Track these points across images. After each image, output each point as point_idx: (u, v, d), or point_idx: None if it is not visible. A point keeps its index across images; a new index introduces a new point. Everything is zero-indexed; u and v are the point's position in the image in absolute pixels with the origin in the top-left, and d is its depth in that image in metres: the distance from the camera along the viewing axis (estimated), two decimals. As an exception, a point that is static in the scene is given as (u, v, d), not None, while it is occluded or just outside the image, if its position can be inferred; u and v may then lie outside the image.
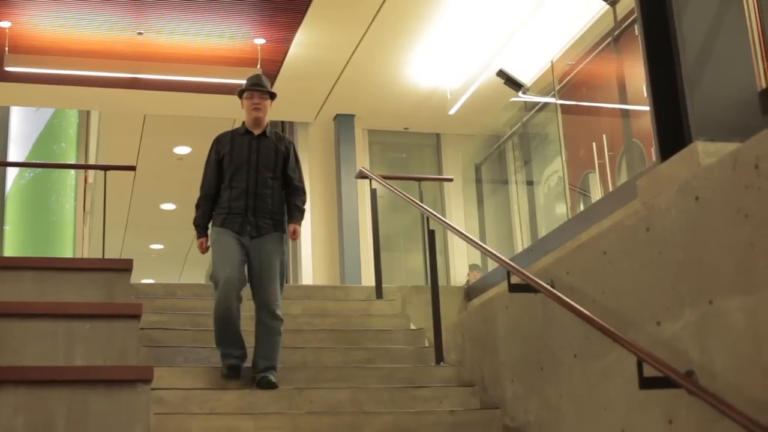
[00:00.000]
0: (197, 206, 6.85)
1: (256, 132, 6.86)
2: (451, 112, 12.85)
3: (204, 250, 6.83)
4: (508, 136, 12.96)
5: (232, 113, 13.07)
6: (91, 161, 16.13)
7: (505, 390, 6.49)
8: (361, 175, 9.73)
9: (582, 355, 5.50)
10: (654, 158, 5.69)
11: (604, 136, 10.78)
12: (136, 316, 5.88)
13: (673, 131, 5.37)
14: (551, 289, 5.60)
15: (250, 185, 6.66)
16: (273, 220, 6.67)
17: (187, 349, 7.12)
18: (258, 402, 6.22)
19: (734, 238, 4.23)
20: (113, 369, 5.19)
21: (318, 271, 13.28)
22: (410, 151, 15.01)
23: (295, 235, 6.84)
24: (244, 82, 11.13)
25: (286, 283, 6.95)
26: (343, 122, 13.54)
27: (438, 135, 14.42)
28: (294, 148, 7.01)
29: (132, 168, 10.86)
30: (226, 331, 6.47)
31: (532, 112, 12.12)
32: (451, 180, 12.03)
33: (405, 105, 13.16)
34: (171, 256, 22.03)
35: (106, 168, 10.12)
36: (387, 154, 14.84)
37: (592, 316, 5.04)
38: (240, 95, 6.93)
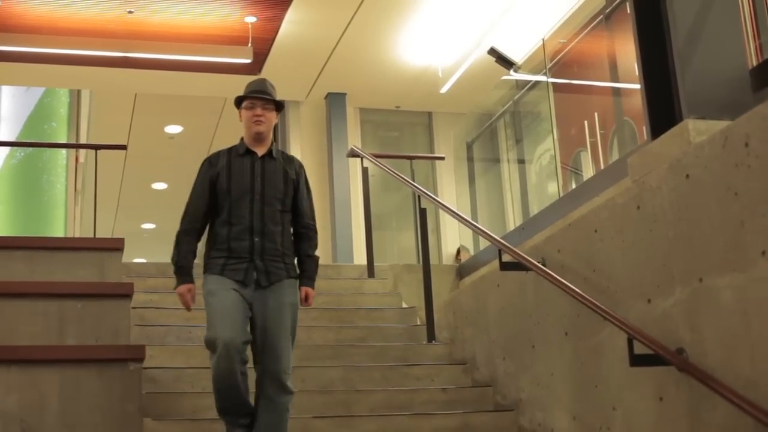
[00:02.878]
0: (177, 242, 5.31)
1: (260, 152, 5.38)
2: (443, 90, 12.84)
3: (188, 301, 5.26)
4: (499, 114, 12.94)
5: (223, 92, 13.09)
6: (83, 140, 16.08)
7: (496, 368, 6.51)
8: (353, 154, 9.74)
9: (573, 332, 5.52)
10: (645, 136, 5.70)
11: (595, 114, 10.76)
12: (128, 296, 5.90)
13: (664, 109, 5.37)
14: (542, 267, 5.62)
15: (256, 221, 5.22)
16: (285, 263, 5.28)
17: (179, 328, 7.14)
18: (249, 381, 6.23)
19: (724, 216, 4.24)
20: (105, 348, 5.22)
21: (310, 249, 13.25)
22: (402, 129, 14.99)
23: (309, 302, 5.42)
24: (235, 60, 11.07)
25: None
26: (335, 101, 13.51)
27: (430, 114, 14.41)
28: (305, 172, 5.57)
29: (123, 147, 10.83)
30: (231, 401, 5.12)
31: (524, 90, 12.10)
32: (442, 158, 12.04)
33: (397, 83, 13.14)
34: (163, 236, 21.93)
35: (97, 147, 10.06)
36: (379, 133, 14.82)
37: (583, 294, 5.06)
38: (238, 104, 5.47)
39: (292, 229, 5.41)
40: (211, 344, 5.00)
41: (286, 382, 5.11)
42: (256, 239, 5.18)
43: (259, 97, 5.36)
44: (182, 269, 5.24)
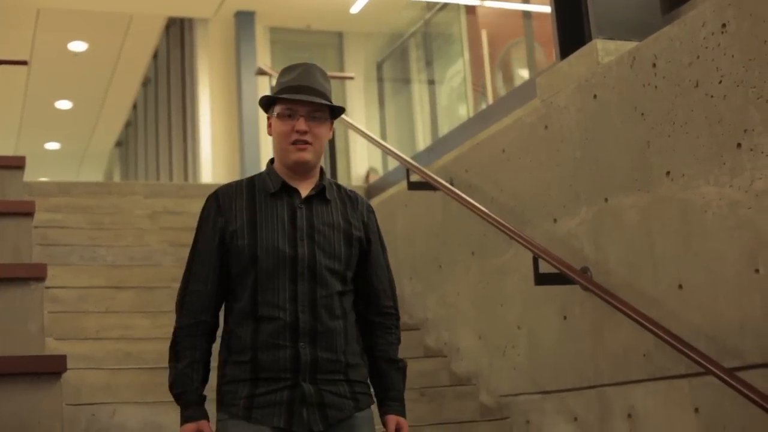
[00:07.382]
0: (174, 350, 3.05)
1: (304, 190, 3.13)
2: (354, 10, 12.71)
3: None
4: (410, 34, 12.88)
5: (129, 8, 12.78)
6: (-17, 57, 15.64)
7: (403, 288, 6.54)
8: (261, 72, 9.63)
9: (480, 252, 5.55)
10: (554, 58, 5.70)
11: (507, 36, 10.76)
12: (29, 214, 5.74)
13: (573, 30, 5.37)
14: (450, 186, 5.62)
15: (303, 313, 2.98)
16: (350, 382, 3.03)
17: (83, 248, 7.02)
18: (155, 300, 6.17)
19: (630, 137, 4.27)
20: (5, 267, 5.08)
21: (218, 169, 13.16)
22: (312, 50, 14.85)
23: None
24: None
25: None
26: (244, 19, 13.29)
27: (340, 34, 14.29)
28: (376, 219, 3.28)
29: (24, 63, 10.51)
30: None
31: (434, 10, 12.04)
32: (351, 78, 11.94)
33: (307, 2, 12.97)
34: (67, 156, 21.62)
35: (-4, 62, 9.77)
36: (289, 54, 14.63)
37: (489, 213, 5.08)
38: (267, 107, 3.19)
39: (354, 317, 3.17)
40: None
41: None
42: (302, 345, 2.96)
43: (302, 99, 3.07)
44: (183, 398, 3.01)
